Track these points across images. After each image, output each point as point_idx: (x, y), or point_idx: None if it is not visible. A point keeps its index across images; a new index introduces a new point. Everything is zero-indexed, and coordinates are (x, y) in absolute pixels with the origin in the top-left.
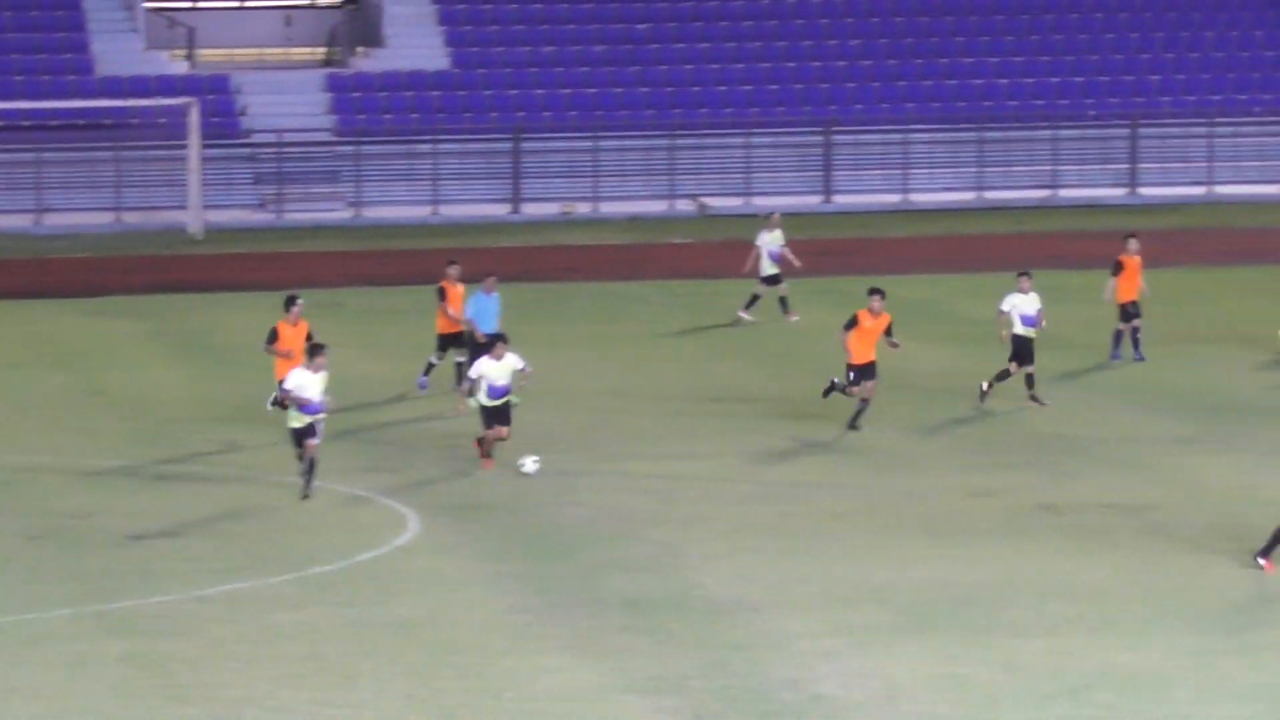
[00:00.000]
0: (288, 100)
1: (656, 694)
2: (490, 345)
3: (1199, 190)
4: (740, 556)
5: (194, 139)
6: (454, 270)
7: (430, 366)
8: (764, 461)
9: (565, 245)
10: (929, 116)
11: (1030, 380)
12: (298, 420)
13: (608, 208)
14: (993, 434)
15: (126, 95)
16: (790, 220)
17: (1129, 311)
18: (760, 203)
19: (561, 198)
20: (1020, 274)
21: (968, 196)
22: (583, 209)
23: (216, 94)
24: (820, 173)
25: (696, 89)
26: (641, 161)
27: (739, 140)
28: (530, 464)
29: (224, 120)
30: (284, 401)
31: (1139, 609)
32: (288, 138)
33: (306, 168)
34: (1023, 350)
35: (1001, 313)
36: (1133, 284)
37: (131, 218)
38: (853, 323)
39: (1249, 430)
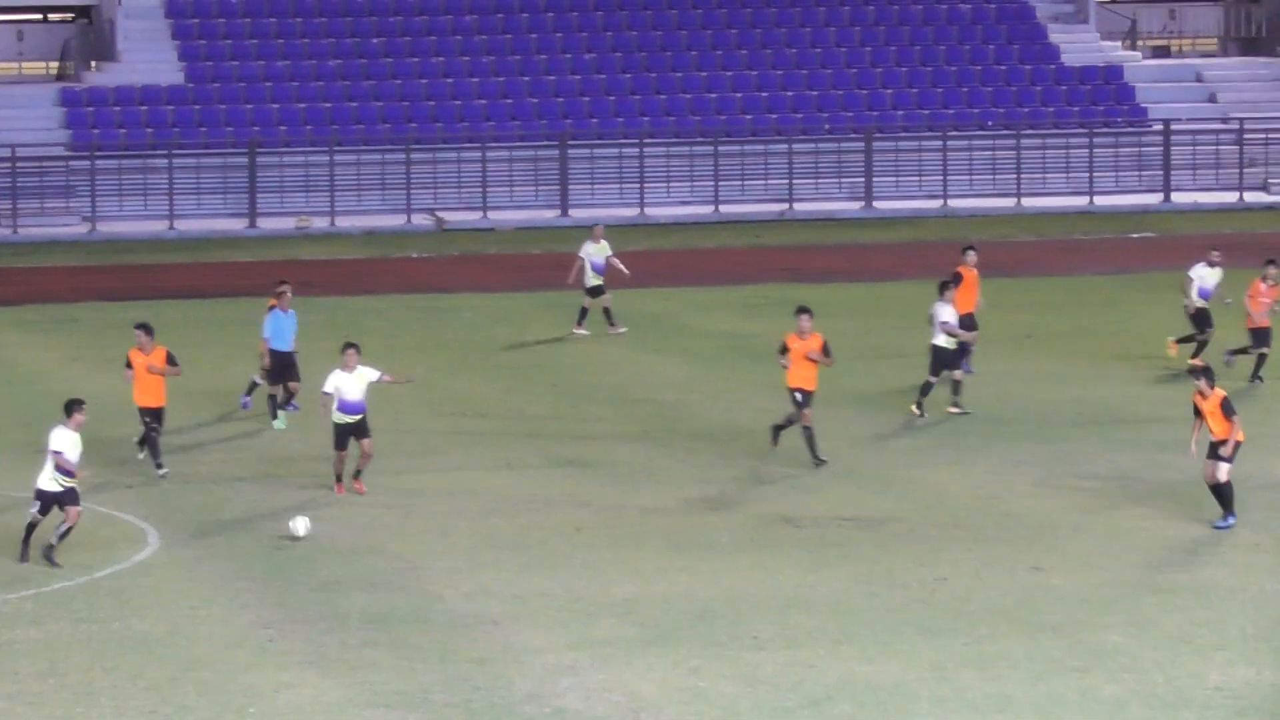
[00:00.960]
0: (21, 115)
1: (400, 708)
2: (282, 366)
3: (934, 204)
4: (481, 571)
5: None
6: (287, 289)
7: (254, 385)
8: (503, 475)
9: (301, 260)
10: (664, 130)
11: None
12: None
13: (344, 222)
14: (731, 447)
15: None
16: (526, 234)
17: (966, 324)
18: (495, 216)
19: (298, 212)
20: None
21: (705, 210)
22: (319, 223)
23: None
24: (556, 186)
25: (432, 103)
26: (377, 176)
27: (475, 154)
28: (301, 526)
29: None
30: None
31: (878, 621)
32: (21, 152)
33: (40, 182)
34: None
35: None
36: (970, 297)
37: None
38: (784, 348)
39: (985, 441)
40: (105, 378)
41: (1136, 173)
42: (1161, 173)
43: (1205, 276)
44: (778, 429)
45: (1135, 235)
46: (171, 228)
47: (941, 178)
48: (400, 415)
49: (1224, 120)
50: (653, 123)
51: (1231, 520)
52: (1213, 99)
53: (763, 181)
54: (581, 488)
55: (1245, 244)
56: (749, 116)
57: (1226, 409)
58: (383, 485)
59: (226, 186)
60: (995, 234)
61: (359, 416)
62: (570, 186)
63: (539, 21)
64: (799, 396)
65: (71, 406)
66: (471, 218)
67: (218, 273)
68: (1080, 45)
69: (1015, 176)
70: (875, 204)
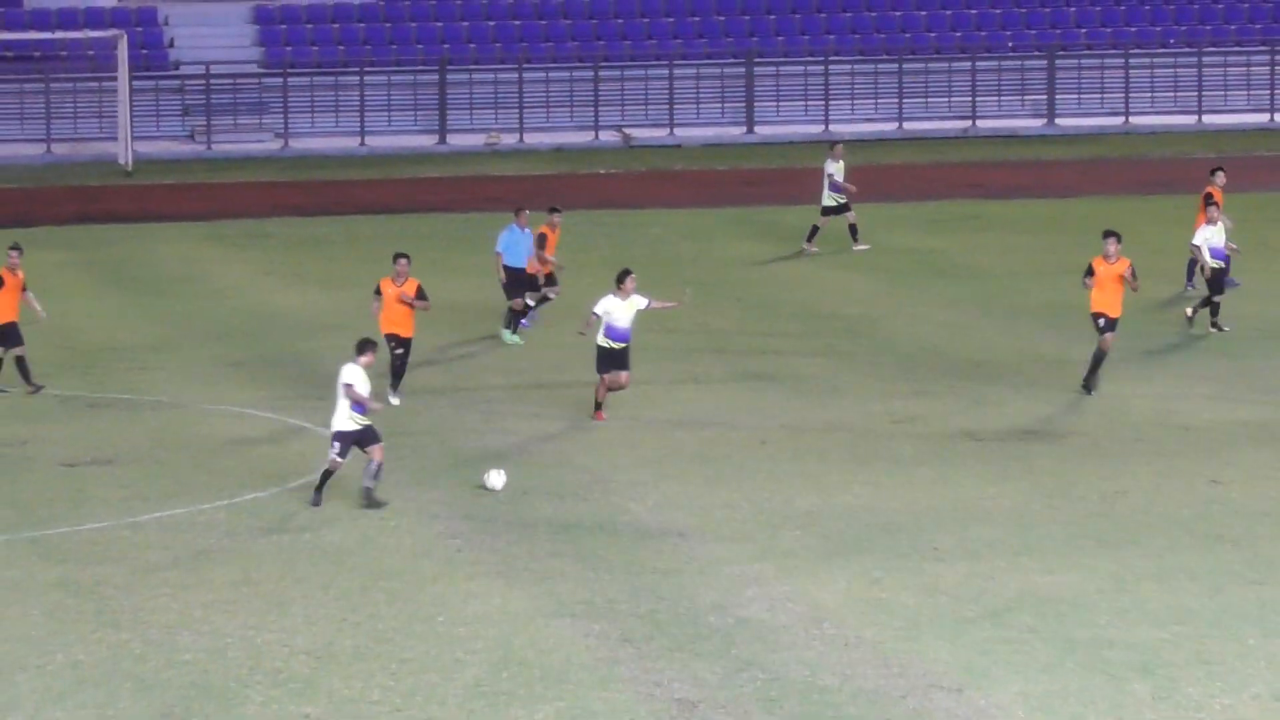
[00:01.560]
0: (215, 33)
1: (585, 618)
2: (516, 281)
3: (1115, 121)
4: (666, 483)
5: (123, 71)
6: (556, 217)
7: (528, 307)
8: (689, 389)
9: (491, 176)
10: (848, 48)
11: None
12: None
13: (532, 138)
14: (914, 362)
15: (55, 28)
16: (713, 150)
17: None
18: (681, 133)
19: (487, 129)
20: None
21: (888, 127)
22: (508, 140)
23: (144, 26)
24: (742, 104)
25: (620, 21)
26: (566, 93)
27: (662, 72)
28: (497, 479)
29: (152, 53)
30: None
31: (1058, 533)
32: (215, 70)
33: (234, 100)
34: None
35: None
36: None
37: (61, 149)
38: (1089, 271)
39: (1167, 355)
40: (297, 292)
41: None
42: None
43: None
44: (1093, 370)
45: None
46: (362, 144)
47: (1124, 95)
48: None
49: None
50: (837, 41)
51: None
52: None
53: (946, 99)
54: (766, 401)
55: None
56: (933, 34)
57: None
58: (569, 399)
59: (417, 104)
60: (1176, 150)
61: (624, 344)
62: (756, 104)
63: None
64: (1102, 322)
65: (364, 345)
66: (658, 134)
67: (407, 189)
68: None
69: (1196, 94)
70: (1057, 121)
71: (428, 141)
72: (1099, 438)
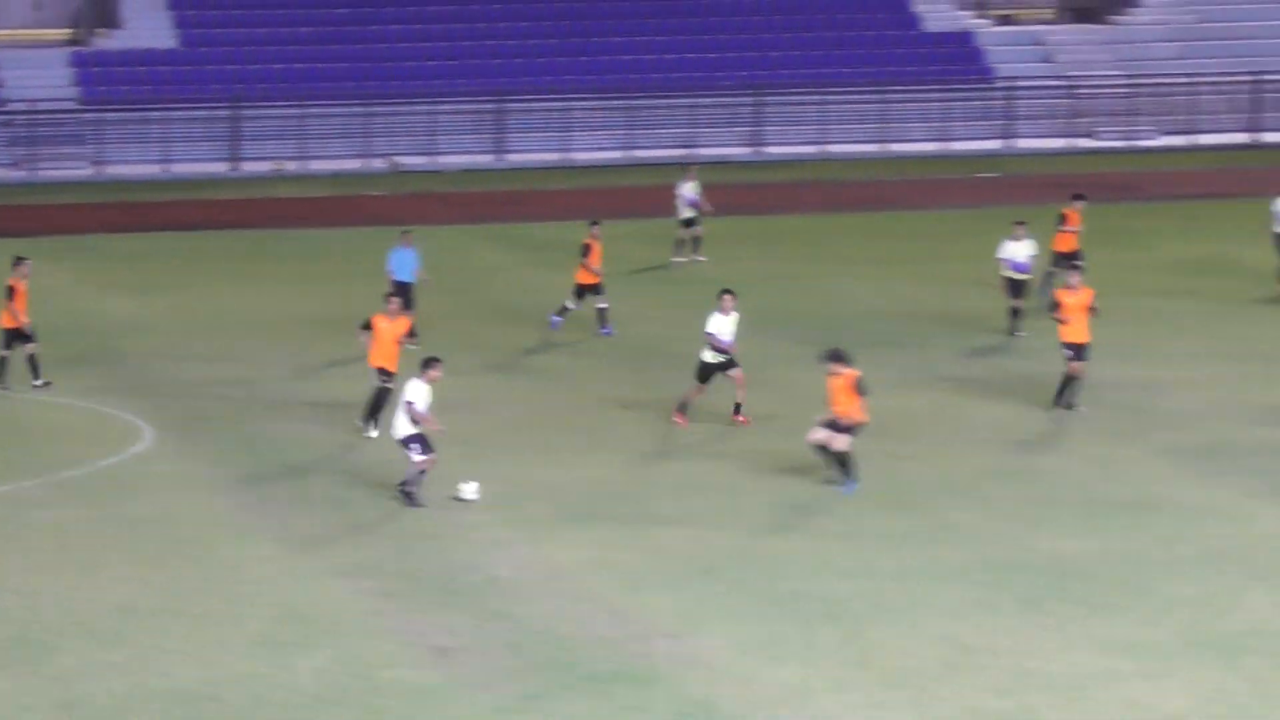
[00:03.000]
0: (38, 74)
1: (355, 577)
2: (410, 295)
3: (813, 149)
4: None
5: None
6: (596, 229)
7: (565, 310)
8: (448, 378)
9: (277, 198)
10: (585, 86)
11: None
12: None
13: (314, 165)
14: (643, 356)
15: None
16: (467, 176)
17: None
18: (442, 160)
19: (274, 157)
20: (1016, 222)
21: (617, 155)
22: (292, 167)
23: None
24: (494, 134)
25: (389, 64)
26: (342, 125)
27: (425, 107)
28: (469, 491)
29: None
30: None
31: (762, 502)
32: (39, 106)
33: (55, 131)
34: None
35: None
36: (1073, 238)
37: None
38: (1054, 304)
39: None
40: (110, 298)
41: (984, 121)
42: (1005, 122)
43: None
44: (1060, 392)
45: (982, 175)
46: (166, 170)
47: (820, 127)
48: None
49: (1058, 78)
50: (576, 80)
51: (854, 486)
52: (1049, 60)
53: (668, 130)
54: (512, 390)
55: (1077, 182)
56: (657, 74)
57: (859, 388)
58: (346, 392)
59: (213, 135)
60: (865, 175)
61: (727, 357)
62: (507, 135)
63: None
64: (1069, 353)
65: (429, 363)
66: (422, 161)
67: (204, 209)
68: (937, 14)
69: (882, 125)
70: (764, 149)
71: (222, 168)
72: (796, 421)
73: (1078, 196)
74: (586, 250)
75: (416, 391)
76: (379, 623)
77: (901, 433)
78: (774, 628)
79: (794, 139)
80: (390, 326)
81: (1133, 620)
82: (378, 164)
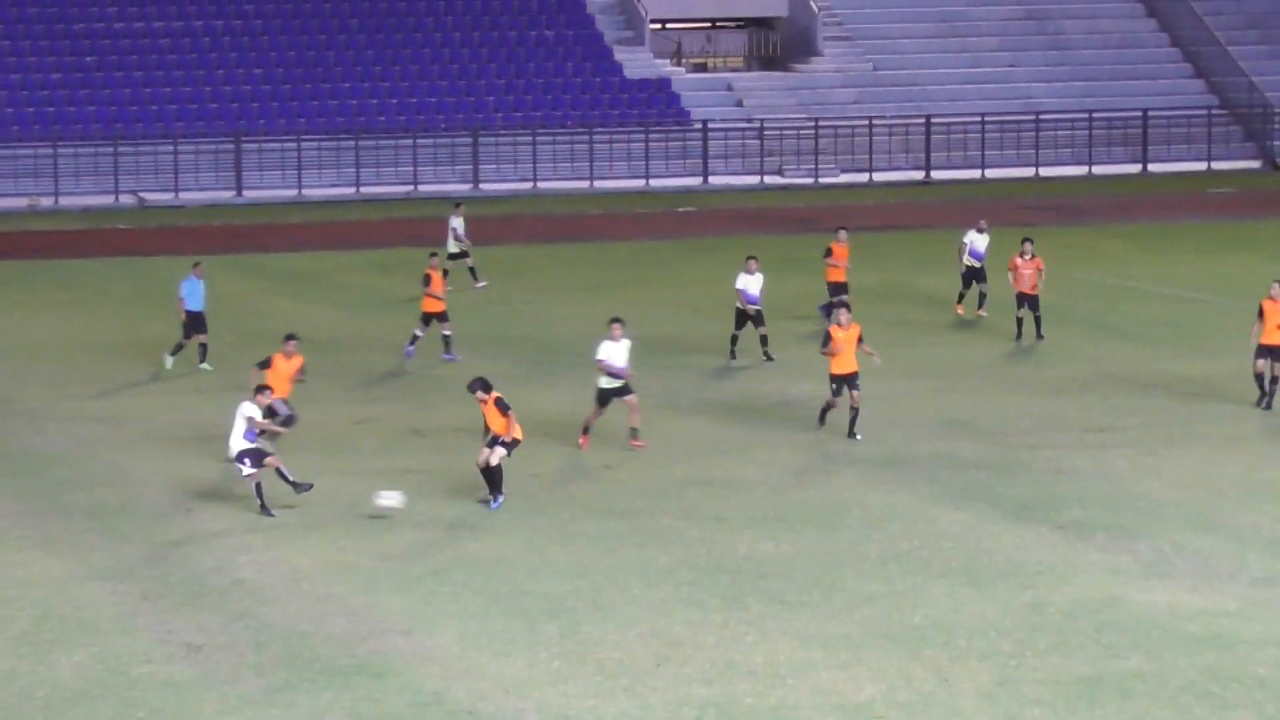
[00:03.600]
0: None
1: (111, 580)
2: (193, 321)
3: (525, 185)
4: (179, 472)
5: None
6: (435, 259)
7: (415, 338)
8: (193, 398)
9: (32, 231)
10: (316, 129)
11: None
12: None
13: (65, 200)
14: (371, 376)
15: None
16: (208, 210)
17: (839, 289)
18: (185, 195)
19: (28, 194)
20: (748, 257)
21: (349, 190)
22: (46, 202)
23: None
24: (233, 172)
25: (134, 107)
26: (92, 164)
27: (168, 146)
28: (388, 499)
29: None
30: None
31: (452, 505)
32: None
33: None
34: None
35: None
36: (841, 268)
37: None
38: (827, 339)
39: (568, 368)
40: None
41: (682, 160)
42: (701, 160)
43: (975, 240)
44: (821, 417)
45: (680, 210)
46: None
47: (532, 165)
48: (110, 350)
49: (749, 120)
50: (308, 122)
51: (500, 499)
52: (740, 104)
53: (393, 168)
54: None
55: (768, 215)
56: (383, 117)
57: (501, 406)
58: (99, 408)
59: None
60: (573, 209)
61: (623, 382)
62: (244, 172)
63: (218, 44)
64: (835, 386)
65: (260, 390)
66: (165, 197)
67: None
68: (638, 62)
69: (589, 164)
70: (481, 185)
71: None
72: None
73: (841, 228)
74: (427, 280)
75: (250, 410)
76: (134, 622)
77: (612, 445)
78: (499, 624)
79: (509, 176)
80: (287, 365)
81: (825, 615)
82: (125, 199)
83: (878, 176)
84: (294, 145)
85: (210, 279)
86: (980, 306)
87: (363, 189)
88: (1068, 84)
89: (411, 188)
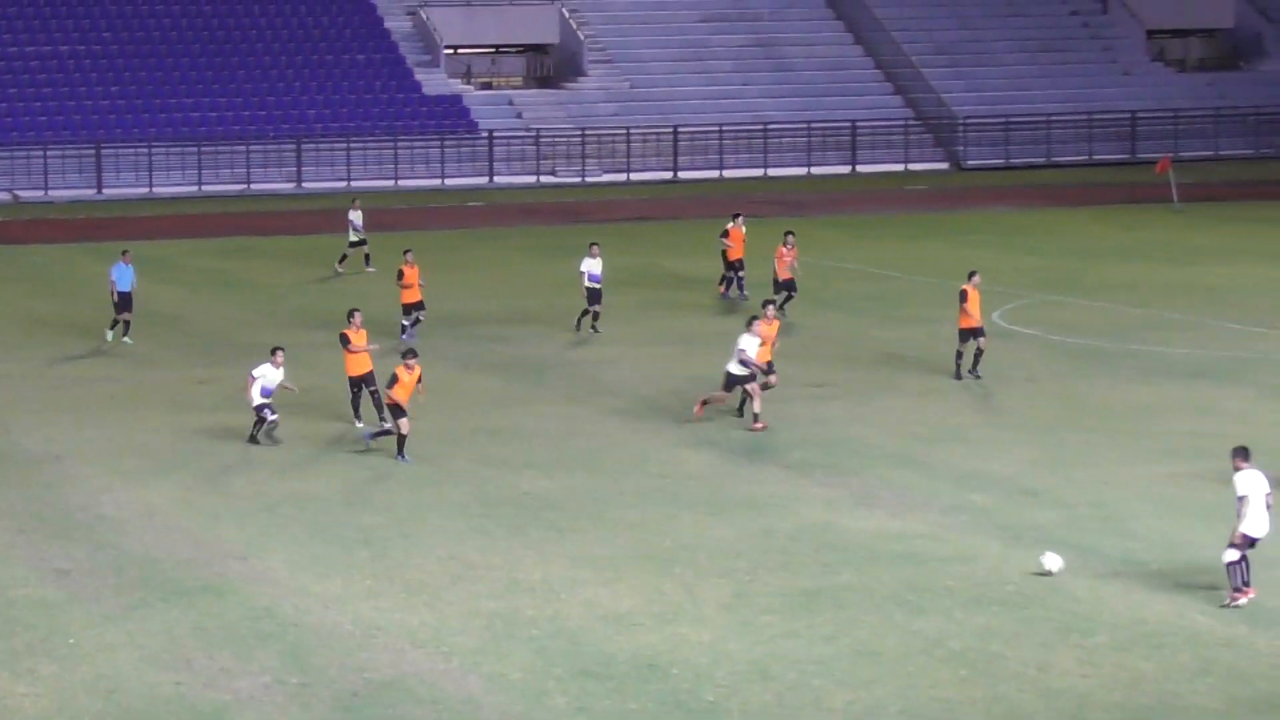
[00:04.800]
0: None
1: None
2: (123, 301)
3: (340, 184)
4: (48, 425)
5: None
6: (409, 256)
7: (404, 327)
8: (63, 362)
9: None
10: (165, 135)
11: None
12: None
13: None
14: (212, 343)
15: None
16: (73, 205)
17: (738, 265)
18: (54, 193)
19: None
20: (591, 243)
21: (192, 189)
22: None
23: None
24: (94, 172)
25: (10, 119)
26: None
27: (39, 151)
28: (1051, 562)
29: None
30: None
31: (281, 451)
32: None
33: None
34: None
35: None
36: (739, 249)
37: None
38: (752, 320)
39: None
40: None
41: (471, 163)
42: (487, 163)
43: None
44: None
45: (470, 204)
46: None
47: (347, 167)
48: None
49: (527, 129)
50: (157, 130)
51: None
52: (519, 116)
53: (229, 169)
54: (114, 369)
55: (543, 209)
56: (220, 126)
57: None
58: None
59: None
60: (381, 204)
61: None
62: (104, 173)
63: (81, 65)
64: (766, 365)
65: (275, 351)
66: (37, 194)
67: None
68: (434, 81)
69: (394, 166)
70: (304, 184)
71: None
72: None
73: (736, 215)
74: (400, 275)
75: (265, 372)
76: (12, 553)
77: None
78: (320, 551)
79: (327, 176)
80: (361, 339)
81: (592, 540)
82: (2, 196)
83: (634, 176)
84: (145, 150)
85: (73, 264)
86: (736, 287)
87: (204, 187)
88: (790, 99)
89: (245, 186)
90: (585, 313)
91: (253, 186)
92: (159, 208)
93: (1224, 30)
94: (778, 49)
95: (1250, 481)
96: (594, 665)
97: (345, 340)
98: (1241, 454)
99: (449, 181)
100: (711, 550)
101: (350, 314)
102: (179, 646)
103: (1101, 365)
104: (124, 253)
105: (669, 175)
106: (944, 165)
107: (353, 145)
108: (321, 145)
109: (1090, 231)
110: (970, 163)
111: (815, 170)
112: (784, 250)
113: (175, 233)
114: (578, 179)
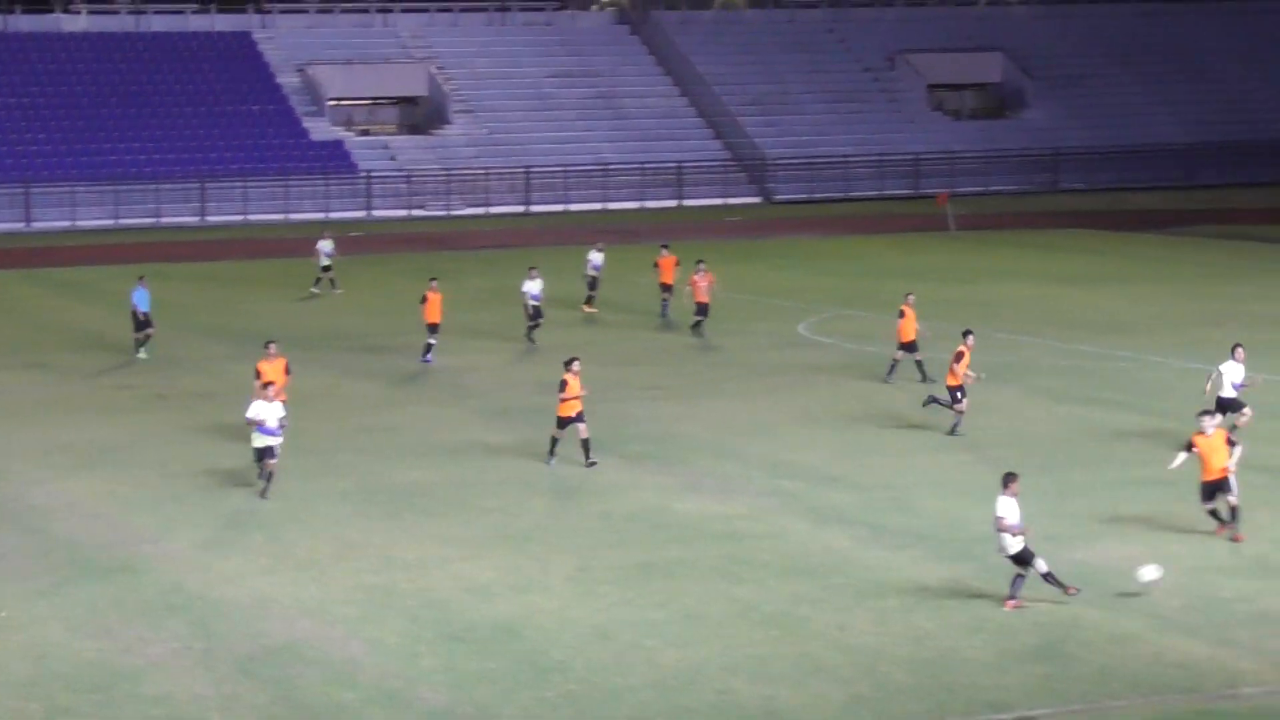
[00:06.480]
0: None
1: None
2: (143, 321)
3: (238, 217)
4: None
5: None
6: (434, 283)
7: (429, 347)
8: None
9: None
10: (85, 175)
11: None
12: (258, 441)
13: None
14: (129, 355)
15: None
16: (5, 237)
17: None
18: None
19: None
20: (530, 267)
21: (109, 222)
22: None
23: None
24: (24, 208)
25: None
26: None
27: None
28: (1149, 574)
29: None
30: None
31: (186, 448)
32: None
33: None
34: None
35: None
36: (669, 273)
37: None
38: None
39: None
40: None
41: (352, 198)
42: (366, 198)
43: (594, 257)
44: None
45: (352, 234)
46: None
47: (244, 202)
48: None
49: (400, 170)
50: (79, 171)
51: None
52: (394, 158)
53: (143, 204)
54: (42, 378)
55: (414, 238)
56: (135, 168)
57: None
58: None
59: None
60: (274, 234)
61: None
62: (32, 208)
63: (13, 115)
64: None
65: (1008, 478)
66: None
67: None
68: (320, 129)
69: (285, 201)
70: (208, 218)
71: None
72: (230, 397)
73: (664, 245)
74: (424, 300)
75: (260, 410)
76: None
77: (297, 404)
78: (222, 534)
79: (228, 211)
80: (271, 365)
81: (458, 523)
82: None
83: (493, 210)
84: (69, 188)
85: (5, 289)
86: (589, 303)
87: (120, 220)
88: (626, 143)
89: (155, 219)
90: (532, 327)
91: (162, 219)
92: (81, 238)
93: (993, 84)
94: (615, 100)
95: (1009, 508)
96: (459, 630)
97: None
98: (1006, 480)
99: (333, 215)
100: (559, 530)
101: (266, 344)
102: (100, 618)
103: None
104: (140, 278)
105: (522, 209)
106: (757, 199)
107: (249, 184)
108: (222, 184)
109: (882, 256)
110: (779, 197)
111: (648, 204)
112: (696, 278)
113: (95, 260)
114: (444, 212)
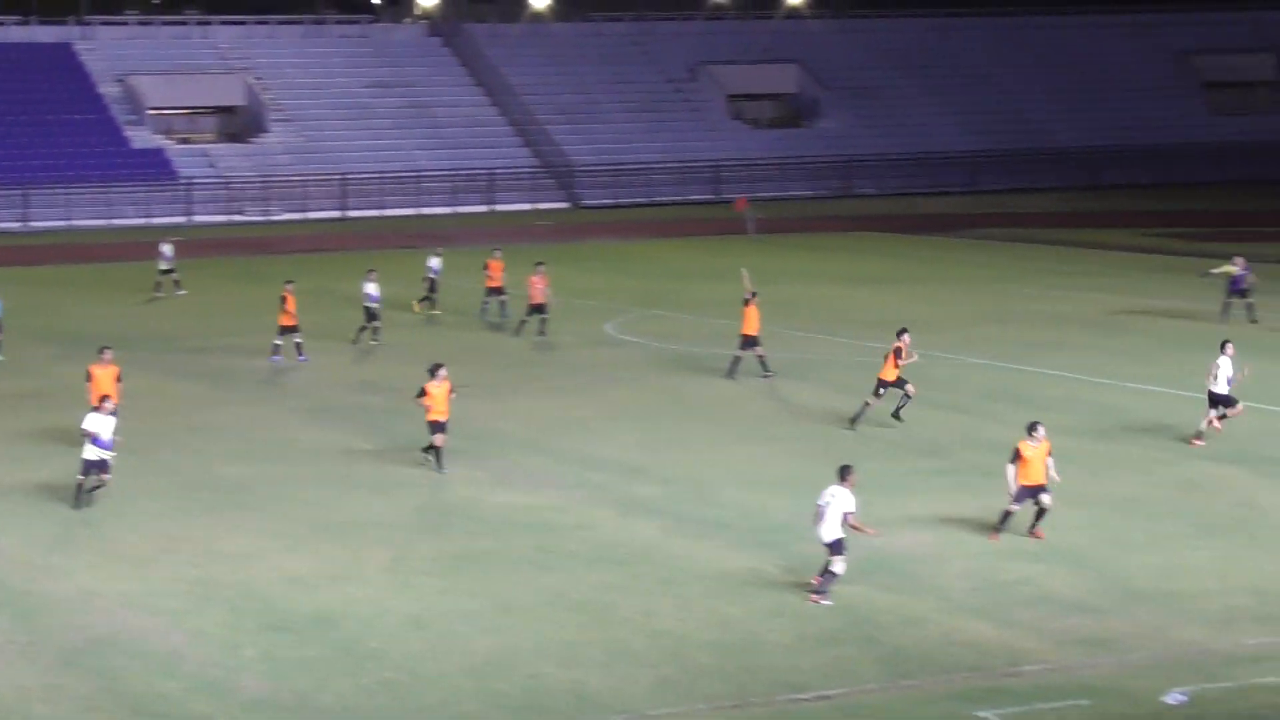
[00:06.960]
0: None
1: None
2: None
3: (61, 223)
4: None
5: None
6: (290, 286)
7: (300, 346)
8: None
9: None
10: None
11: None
12: (90, 453)
13: None
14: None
15: None
16: None
17: (497, 291)
18: None
19: None
20: (369, 269)
21: None
22: None
23: None
24: None
25: None
26: None
27: None
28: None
29: None
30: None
31: (17, 450)
32: None
33: None
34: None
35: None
36: (498, 275)
37: None
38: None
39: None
40: None
41: (173, 204)
42: (187, 204)
43: (434, 262)
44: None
45: (173, 238)
46: None
47: (68, 208)
48: None
49: (220, 177)
50: None
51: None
52: (214, 166)
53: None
54: None
55: (234, 243)
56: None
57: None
58: None
59: None
60: (99, 239)
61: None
62: None
63: None
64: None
65: (845, 470)
66: None
67: None
68: (141, 137)
69: (106, 206)
70: (31, 223)
71: None
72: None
73: (495, 249)
74: (283, 300)
75: (95, 423)
76: None
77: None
78: (45, 530)
79: (51, 217)
80: (104, 370)
81: (277, 516)
82: None
83: (310, 215)
84: None
85: None
86: (424, 302)
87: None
88: (438, 151)
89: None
90: (364, 328)
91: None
92: None
93: (789, 95)
94: (428, 109)
95: (849, 501)
96: (279, 620)
97: (88, 376)
98: (844, 473)
99: (155, 220)
100: (375, 523)
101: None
102: None
103: (693, 366)
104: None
105: (339, 214)
106: (565, 204)
107: (72, 191)
108: (45, 191)
109: (684, 258)
110: (586, 202)
111: (460, 209)
112: (535, 279)
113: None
114: (263, 217)
